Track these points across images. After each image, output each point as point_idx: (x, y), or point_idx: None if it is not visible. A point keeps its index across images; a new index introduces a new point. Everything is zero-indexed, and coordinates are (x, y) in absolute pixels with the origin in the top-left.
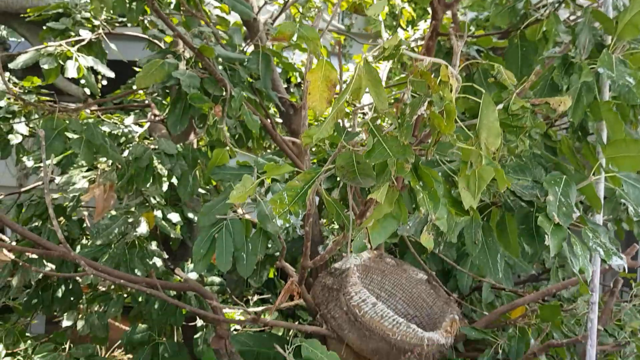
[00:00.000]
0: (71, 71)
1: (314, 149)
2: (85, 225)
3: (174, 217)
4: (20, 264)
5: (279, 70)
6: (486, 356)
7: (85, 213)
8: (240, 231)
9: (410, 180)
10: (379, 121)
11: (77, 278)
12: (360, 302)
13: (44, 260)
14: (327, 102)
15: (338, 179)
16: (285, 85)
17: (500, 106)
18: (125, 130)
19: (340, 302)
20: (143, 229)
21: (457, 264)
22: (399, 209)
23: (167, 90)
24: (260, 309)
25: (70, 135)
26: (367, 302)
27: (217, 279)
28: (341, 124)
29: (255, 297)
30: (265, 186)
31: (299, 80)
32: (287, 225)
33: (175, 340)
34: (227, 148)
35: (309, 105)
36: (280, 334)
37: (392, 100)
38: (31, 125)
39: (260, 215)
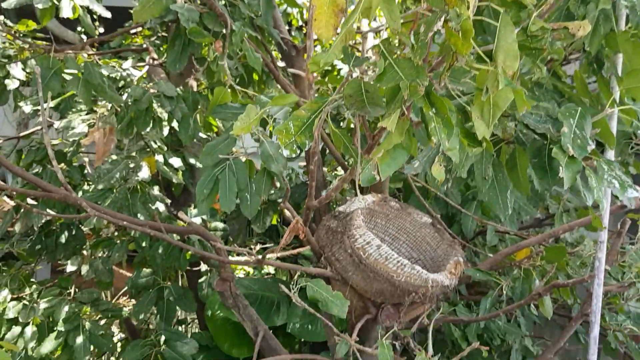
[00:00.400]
0: (66, 10)
1: (316, 94)
2: (86, 171)
3: (176, 162)
4: (22, 209)
5: (280, 10)
6: (490, 297)
7: (86, 159)
8: (243, 171)
9: (423, 106)
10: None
11: (80, 224)
12: (364, 244)
13: (47, 208)
14: (334, 29)
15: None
16: (287, 28)
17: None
18: (124, 73)
19: (345, 244)
20: (144, 173)
21: (462, 208)
22: (409, 139)
23: (165, 29)
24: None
25: (67, 77)
26: (372, 244)
27: (220, 225)
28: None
29: (258, 246)
30: (270, 124)
31: (300, 23)
32: (290, 171)
33: (180, 285)
34: (228, 88)
35: (315, 32)
36: (284, 279)
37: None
38: (28, 70)
39: (264, 155)
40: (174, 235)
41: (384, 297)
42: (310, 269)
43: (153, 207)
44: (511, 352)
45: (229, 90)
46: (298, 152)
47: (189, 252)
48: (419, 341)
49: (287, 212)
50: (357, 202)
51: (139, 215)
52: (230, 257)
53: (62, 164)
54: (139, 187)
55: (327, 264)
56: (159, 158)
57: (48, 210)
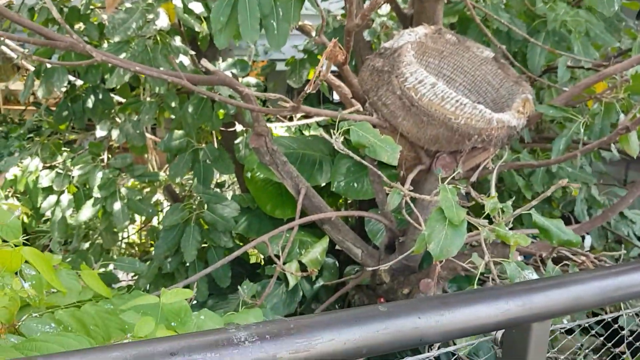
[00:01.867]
0: None
1: None
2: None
3: (197, 7)
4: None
5: None
6: (564, 137)
7: (104, 16)
8: None
9: None
10: None
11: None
12: (416, 83)
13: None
14: None
15: None
16: None
17: None
18: None
19: (393, 85)
20: (163, 22)
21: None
22: None
23: None
24: (300, 97)
25: None
26: (425, 83)
27: (252, 80)
28: None
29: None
30: None
31: None
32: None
33: (216, 147)
34: None
35: None
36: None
37: None
38: None
39: None
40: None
41: (440, 145)
42: (353, 116)
43: (177, 61)
44: (576, 201)
45: None
46: None
47: (222, 111)
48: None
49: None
50: (406, 35)
51: (161, 68)
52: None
53: (80, 24)
54: (158, 37)
55: (372, 110)
56: (177, 3)
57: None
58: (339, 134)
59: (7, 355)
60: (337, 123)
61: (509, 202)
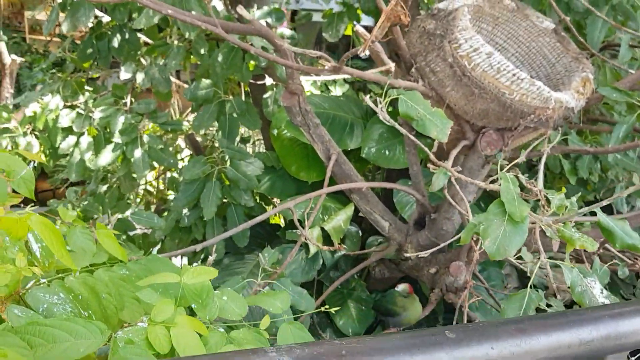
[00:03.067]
0: None
1: None
2: None
3: None
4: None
5: None
6: (626, 124)
7: None
8: None
9: None
10: None
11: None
12: (470, 51)
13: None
14: None
15: None
16: None
17: None
18: None
19: (445, 51)
20: None
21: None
22: None
23: None
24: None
25: None
26: (480, 52)
27: (287, 31)
28: None
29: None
30: None
31: None
32: None
33: (243, 100)
34: None
35: None
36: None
37: None
38: None
39: None
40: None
41: (488, 120)
42: (398, 82)
43: (210, 5)
44: (615, 189)
45: None
46: None
47: (252, 63)
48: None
49: (360, 30)
50: None
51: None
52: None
53: None
54: None
55: (418, 77)
56: None
57: (97, 12)
58: (386, 103)
59: (3, 341)
60: (384, 91)
61: (574, 199)
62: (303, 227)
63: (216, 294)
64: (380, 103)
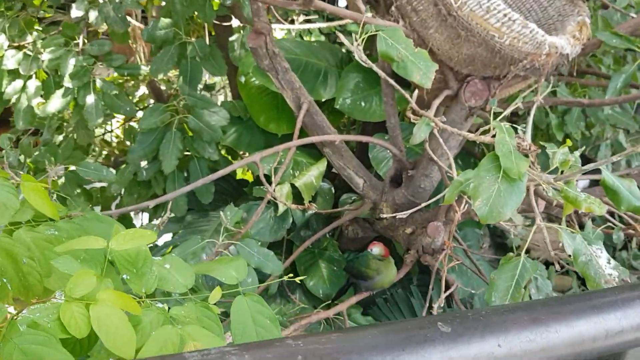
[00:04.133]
0: None
1: None
2: None
3: None
4: None
5: None
6: (625, 74)
7: None
8: None
9: None
10: None
11: None
12: None
13: None
14: None
15: None
16: None
17: None
18: None
19: None
20: None
21: None
22: None
23: None
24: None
25: None
26: None
27: None
28: None
29: (302, 17)
30: None
31: None
32: None
33: (207, 43)
34: None
35: None
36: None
37: None
38: None
39: None
40: None
41: (474, 68)
42: (376, 20)
43: None
44: (600, 147)
45: None
46: None
47: (216, 1)
48: None
49: None
50: None
51: None
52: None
53: None
54: None
55: (399, 16)
56: None
57: None
58: (362, 40)
59: None
60: (361, 26)
61: (577, 154)
62: (270, 183)
63: (157, 262)
64: (357, 41)
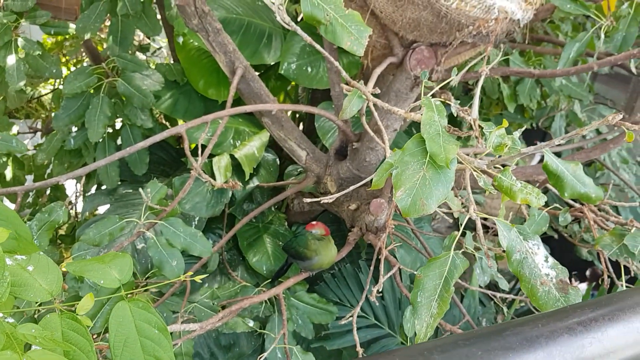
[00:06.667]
0: None
1: None
2: None
3: None
4: None
5: None
6: (578, 42)
7: None
8: None
9: None
10: None
11: None
12: None
13: None
14: None
15: None
16: None
17: None
18: None
19: None
20: None
21: None
22: None
23: None
24: None
25: None
26: None
27: None
28: None
29: None
30: None
31: None
32: None
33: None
34: None
35: None
36: None
37: None
38: None
39: None
40: None
41: (419, 33)
42: None
43: None
44: (555, 117)
45: None
46: None
47: None
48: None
49: None
50: None
51: None
52: None
53: None
54: None
55: None
56: None
57: None
58: (285, 1)
59: None
60: None
61: (518, 134)
62: (201, 155)
63: (17, 265)
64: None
